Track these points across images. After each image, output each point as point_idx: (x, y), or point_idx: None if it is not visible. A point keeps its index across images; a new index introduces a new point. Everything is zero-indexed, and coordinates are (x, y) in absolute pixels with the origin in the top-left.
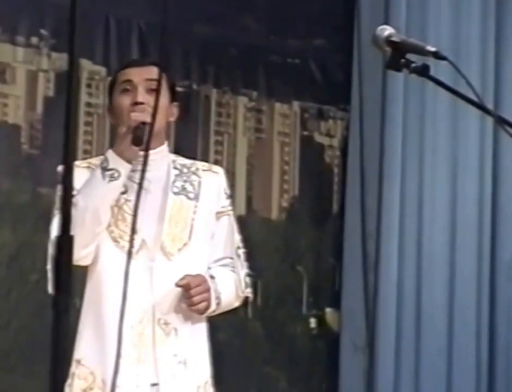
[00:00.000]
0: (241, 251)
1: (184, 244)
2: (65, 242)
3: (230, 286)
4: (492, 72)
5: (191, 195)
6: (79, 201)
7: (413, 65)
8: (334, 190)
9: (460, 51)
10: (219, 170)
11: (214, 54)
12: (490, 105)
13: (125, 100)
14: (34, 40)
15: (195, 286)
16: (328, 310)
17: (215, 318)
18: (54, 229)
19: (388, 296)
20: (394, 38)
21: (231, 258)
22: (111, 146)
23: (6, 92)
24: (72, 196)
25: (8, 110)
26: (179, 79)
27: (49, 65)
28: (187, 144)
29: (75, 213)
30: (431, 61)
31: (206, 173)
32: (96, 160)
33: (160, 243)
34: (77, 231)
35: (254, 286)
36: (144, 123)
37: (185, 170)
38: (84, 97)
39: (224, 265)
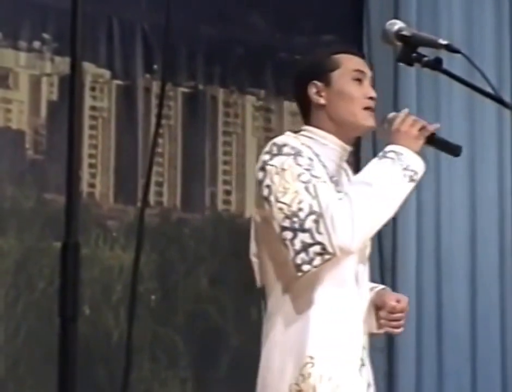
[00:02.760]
0: None
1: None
2: (71, 248)
3: None
4: (508, 63)
5: None
6: (374, 188)
7: (425, 58)
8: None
9: (473, 43)
10: None
11: (220, 54)
12: (507, 98)
13: (358, 91)
14: (36, 44)
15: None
16: None
17: (228, 323)
18: (326, 194)
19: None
20: (404, 32)
21: None
22: (118, 149)
23: (9, 97)
24: (77, 202)
25: (12, 116)
26: (185, 79)
27: (52, 69)
28: (195, 146)
29: (367, 204)
30: (443, 55)
31: None
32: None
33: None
34: (367, 225)
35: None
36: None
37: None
38: (88, 101)
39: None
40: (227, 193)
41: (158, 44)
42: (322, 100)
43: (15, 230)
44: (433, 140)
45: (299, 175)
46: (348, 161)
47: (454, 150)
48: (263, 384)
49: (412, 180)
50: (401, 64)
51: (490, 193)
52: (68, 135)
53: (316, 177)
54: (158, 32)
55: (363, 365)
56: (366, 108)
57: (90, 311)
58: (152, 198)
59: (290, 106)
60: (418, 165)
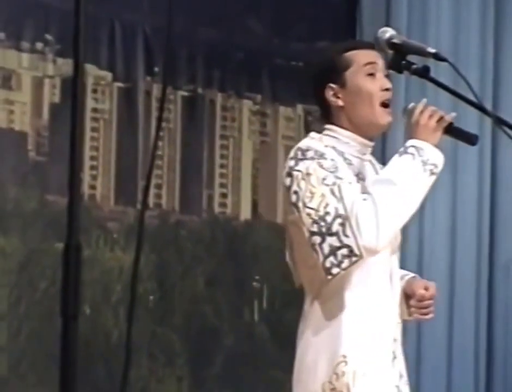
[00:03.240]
0: None
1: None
2: (73, 249)
3: None
4: (491, 73)
5: None
6: (396, 186)
7: (414, 66)
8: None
9: (460, 53)
10: None
11: (219, 58)
12: (489, 106)
13: (373, 86)
14: (39, 45)
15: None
16: None
17: (224, 323)
18: (350, 196)
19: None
20: (395, 40)
21: None
22: (118, 151)
23: (12, 98)
24: (79, 204)
25: (15, 117)
26: (184, 83)
27: (54, 70)
28: (193, 149)
29: (393, 203)
30: (431, 63)
31: None
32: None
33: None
34: (392, 223)
35: (260, 290)
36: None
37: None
38: (90, 103)
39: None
40: (224, 195)
41: (159, 47)
42: (340, 102)
43: (18, 231)
44: (450, 130)
45: (324, 178)
46: (373, 154)
47: (470, 139)
48: (297, 379)
49: (432, 173)
50: (391, 71)
51: (469, 197)
52: (71, 137)
53: (340, 178)
54: (159, 35)
55: (394, 357)
56: (383, 104)
57: (90, 310)
58: (151, 201)
59: (285, 111)
60: (438, 158)
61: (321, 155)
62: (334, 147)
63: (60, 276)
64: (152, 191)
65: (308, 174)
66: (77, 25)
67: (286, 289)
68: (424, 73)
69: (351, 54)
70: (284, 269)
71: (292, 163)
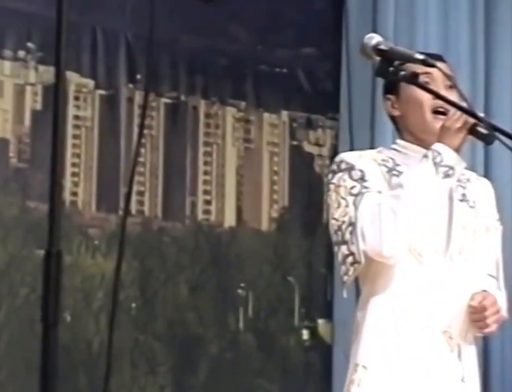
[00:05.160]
0: (501, 271)
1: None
2: (53, 256)
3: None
4: (482, 78)
5: (471, 203)
6: (404, 189)
7: (402, 73)
8: (325, 200)
9: (449, 57)
10: (487, 181)
11: (202, 65)
12: (480, 112)
13: (424, 94)
14: (21, 53)
15: (490, 307)
16: (320, 321)
17: (207, 331)
18: (364, 204)
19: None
20: (382, 47)
21: (493, 275)
22: (100, 158)
23: None
24: (60, 211)
25: None
26: (167, 90)
27: (36, 78)
28: (176, 156)
29: (396, 205)
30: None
31: (478, 182)
32: (371, 153)
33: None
34: (396, 225)
35: (245, 298)
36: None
37: (461, 177)
38: (71, 110)
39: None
40: (207, 202)
41: (142, 54)
42: (396, 112)
43: None
44: (474, 131)
45: (351, 188)
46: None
47: (488, 139)
48: None
49: (447, 176)
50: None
51: None
52: (52, 144)
53: (367, 187)
54: (141, 43)
55: (430, 366)
56: (436, 111)
57: (71, 318)
58: (133, 207)
59: (269, 118)
60: (453, 160)
61: (351, 167)
62: (392, 159)
63: (40, 283)
64: (135, 198)
65: (339, 186)
66: (59, 32)
67: (271, 296)
68: (412, 79)
69: (406, 65)
70: (269, 277)
71: (329, 176)
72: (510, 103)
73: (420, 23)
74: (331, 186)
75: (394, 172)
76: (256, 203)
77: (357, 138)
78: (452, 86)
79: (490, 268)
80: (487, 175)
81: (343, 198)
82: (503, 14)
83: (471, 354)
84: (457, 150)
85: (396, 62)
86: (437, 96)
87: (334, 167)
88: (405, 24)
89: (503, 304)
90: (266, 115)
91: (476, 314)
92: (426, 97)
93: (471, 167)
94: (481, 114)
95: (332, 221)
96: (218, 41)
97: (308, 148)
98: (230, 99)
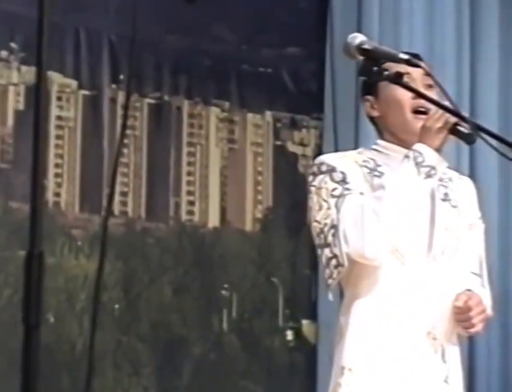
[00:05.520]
0: (485, 268)
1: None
2: (35, 258)
3: (488, 304)
4: (468, 78)
5: (454, 203)
6: (386, 190)
7: (386, 72)
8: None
9: (435, 58)
10: (469, 180)
11: (186, 65)
12: (466, 112)
13: (404, 93)
14: (4, 53)
15: (475, 307)
16: (304, 322)
17: (191, 332)
18: (346, 206)
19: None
20: (365, 46)
21: (476, 273)
22: (83, 158)
23: None
24: (41, 212)
25: None
26: (151, 90)
27: (19, 78)
28: (160, 156)
29: (378, 206)
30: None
31: (460, 181)
32: (351, 154)
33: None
34: (379, 226)
35: (229, 299)
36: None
37: (442, 176)
38: (54, 111)
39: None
40: (191, 203)
41: (125, 55)
42: (376, 113)
43: None
44: (454, 131)
45: (333, 190)
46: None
47: (470, 138)
48: None
49: (429, 176)
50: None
51: None
52: (33, 144)
53: (348, 189)
54: (125, 43)
55: (412, 367)
56: (416, 111)
57: (54, 319)
58: (117, 208)
59: (253, 118)
60: (434, 160)
61: (332, 169)
62: (373, 159)
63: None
64: (118, 198)
65: (320, 188)
66: (41, 32)
67: (255, 297)
68: (396, 79)
69: (385, 65)
70: (253, 278)
71: (310, 178)
72: (496, 102)
73: (405, 23)
74: (313, 188)
75: (376, 173)
76: (240, 203)
77: (341, 138)
78: (432, 86)
79: (473, 266)
80: (472, 175)
81: (325, 201)
82: (488, 13)
83: (455, 354)
84: (438, 150)
85: (379, 62)
86: (422, 96)
87: (315, 169)
88: (390, 23)
89: (487, 302)
90: (250, 115)
91: (462, 315)
92: (406, 96)
93: (457, 168)
94: (464, 113)
95: (314, 224)
96: (202, 41)
97: (292, 148)
98: (213, 100)
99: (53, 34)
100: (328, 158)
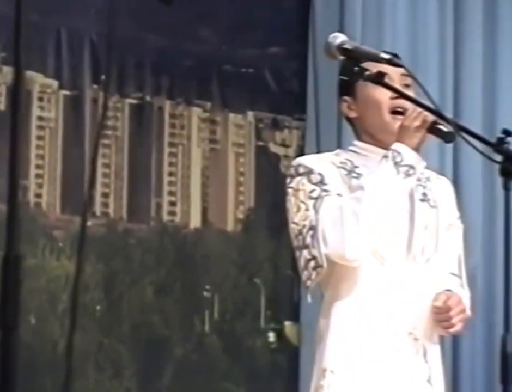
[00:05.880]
0: (464, 269)
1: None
2: (12, 260)
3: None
4: (451, 79)
5: (432, 203)
6: (365, 190)
7: (367, 72)
8: None
9: (418, 56)
10: (446, 179)
11: (167, 65)
12: (449, 113)
13: (381, 94)
14: None
15: (454, 306)
16: (287, 323)
17: (173, 333)
18: (325, 207)
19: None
20: (346, 46)
21: (455, 274)
22: (65, 159)
23: None
24: (19, 214)
25: None
26: (132, 91)
27: (0, 78)
28: (141, 157)
29: (357, 207)
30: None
31: (438, 181)
32: (328, 156)
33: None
34: (359, 227)
35: (211, 300)
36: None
37: (421, 176)
38: (35, 111)
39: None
40: (173, 204)
41: (106, 55)
42: (353, 114)
43: None
44: (433, 129)
45: (311, 192)
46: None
47: (448, 137)
48: None
49: (407, 175)
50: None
51: None
52: (10, 144)
53: (327, 191)
54: (106, 43)
55: (391, 368)
56: (394, 111)
57: (36, 320)
58: (98, 209)
59: (235, 118)
60: (413, 159)
61: (310, 171)
62: (350, 161)
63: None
64: (99, 199)
65: (298, 190)
66: (18, 32)
67: (237, 298)
68: (377, 79)
69: (364, 65)
70: (235, 279)
71: (288, 180)
72: (480, 102)
73: (388, 23)
74: (290, 190)
75: (353, 174)
76: (221, 204)
77: (323, 139)
78: (409, 85)
79: (452, 266)
80: (456, 176)
81: (303, 202)
82: (472, 12)
83: (436, 354)
84: (417, 149)
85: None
86: (404, 96)
87: (292, 171)
88: (373, 23)
89: (467, 302)
90: (232, 116)
91: (441, 315)
92: (384, 97)
93: (440, 169)
94: (447, 114)
95: (292, 226)
96: (184, 41)
97: (274, 149)
98: (195, 100)
99: (34, 34)
100: (306, 160)
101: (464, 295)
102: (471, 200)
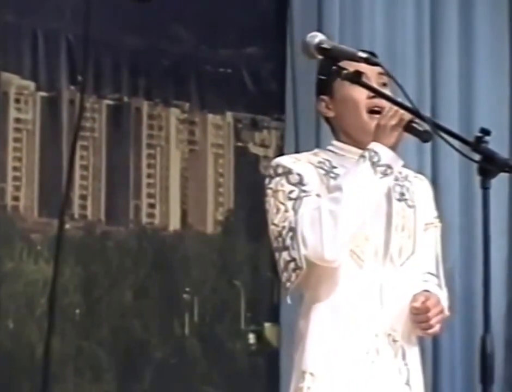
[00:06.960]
0: (441, 268)
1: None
2: None
3: (446, 305)
4: (428, 78)
5: (410, 202)
6: (343, 191)
7: (345, 71)
8: None
9: (395, 55)
10: (424, 178)
11: (144, 66)
12: (427, 112)
13: (359, 93)
14: None
15: (433, 307)
16: (267, 325)
17: (152, 337)
18: (303, 209)
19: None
20: (324, 45)
21: (433, 273)
22: (42, 162)
23: None
24: None
25: None
26: (109, 92)
27: None
28: (119, 159)
29: (336, 208)
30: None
31: (416, 180)
32: (306, 156)
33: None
34: (337, 228)
35: (191, 302)
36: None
37: (398, 175)
38: (12, 113)
39: (428, 280)
40: (151, 205)
41: (83, 56)
42: (330, 113)
43: None
44: (409, 128)
45: (290, 193)
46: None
47: (425, 136)
48: None
49: (385, 175)
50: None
51: None
52: None
53: (306, 191)
54: (82, 44)
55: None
56: (371, 111)
57: (14, 324)
58: (76, 212)
59: (214, 119)
60: (390, 159)
61: (288, 171)
62: (329, 161)
63: None
64: (77, 202)
65: (276, 191)
66: None
67: (217, 301)
68: (355, 78)
69: (341, 64)
70: (214, 281)
71: (266, 181)
72: (457, 101)
73: (365, 22)
74: (269, 191)
75: (331, 174)
76: (201, 206)
77: (302, 139)
78: (386, 84)
79: (430, 266)
80: (434, 175)
81: (282, 203)
82: (449, 12)
83: (415, 356)
84: (393, 148)
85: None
86: (382, 95)
87: (271, 172)
88: (350, 23)
89: (445, 302)
90: (210, 116)
91: (420, 316)
92: (362, 96)
93: (419, 168)
94: (424, 112)
95: (272, 227)
96: (161, 41)
97: (253, 149)
98: (173, 101)
99: (10, 35)
100: (284, 160)
101: (442, 295)
102: (449, 199)
